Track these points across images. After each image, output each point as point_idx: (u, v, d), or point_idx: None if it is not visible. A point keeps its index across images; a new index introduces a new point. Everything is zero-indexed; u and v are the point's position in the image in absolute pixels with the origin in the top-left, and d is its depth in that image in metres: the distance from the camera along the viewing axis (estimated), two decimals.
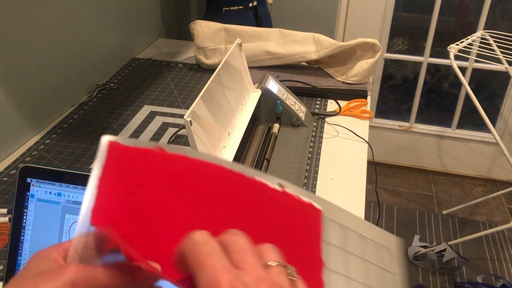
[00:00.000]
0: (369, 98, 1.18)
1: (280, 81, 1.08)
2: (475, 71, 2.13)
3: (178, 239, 0.32)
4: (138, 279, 0.32)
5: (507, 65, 1.55)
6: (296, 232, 0.34)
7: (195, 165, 0.34)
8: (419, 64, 2.20)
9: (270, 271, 0.28)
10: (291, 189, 0.35)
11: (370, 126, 1.12)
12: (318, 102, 1.17)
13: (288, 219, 0.34)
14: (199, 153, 0.34)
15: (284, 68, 1.30)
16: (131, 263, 0.33)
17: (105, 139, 0.35)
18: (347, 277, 0.35)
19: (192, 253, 0.27)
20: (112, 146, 0.34)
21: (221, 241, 0.29)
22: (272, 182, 0.35)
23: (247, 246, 0.28)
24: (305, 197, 0.35)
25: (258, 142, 0.95)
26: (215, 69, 0.82)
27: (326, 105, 1.16)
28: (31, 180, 0.50)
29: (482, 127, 2.24)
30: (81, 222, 0.34)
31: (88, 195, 0.34)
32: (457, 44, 1.50)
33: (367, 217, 1.96)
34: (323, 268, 0.34)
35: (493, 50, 1.53)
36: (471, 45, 1.53)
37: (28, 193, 0.50)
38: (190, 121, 0.68)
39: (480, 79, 2.22)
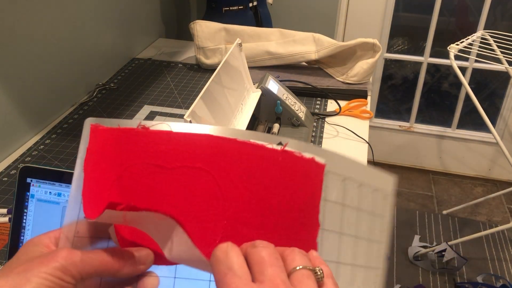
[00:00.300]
0: (369, 98, 1.18)
1: (280, 81, 1.08)
2: (475, 71, 2.13)
3: (171, 222, 0.31)
4: (129, 264, 0.32)
5: (507, 65, 1.54)
6: (295, 194, 0.33)
7: (182, 140, 0.32)
8: (419, 64, 2.20)
9: (294, 277, 0.28)
10: (293, 146, 0.33)
11: (370, 126, 1.12)
12: (318, 102, 1.17)
13: (288, 180, 0.33)
14: (185, 125, 0.33)
15: (284, 68, 1.30)
16: (122, 249, 0.33)
17: (88, 122, 0.34)
18: (339, 233, 0.35)
19: (214, 270, 0.28)
20: (94, 128, 0.34)
21: (244, 252, 0.29)
22: (271, 141, 0.33)
23: (270, 256, 0.28)
24: (307, 152, 0.34)
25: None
26: (215, 69, 0.82)
27: (326, 105, 1.16)
28: (31, 180, 0.50)
29: (482, 127, 2.24)
30: (70, 208, 0.33)
31: (76, 180, 0.33)
32: (457, 44, 1.50)
33: None
34: (318, 230, 0.34)
35: (493, 50, 1.53)
36: (471, 45, 1.53)
37: (28, 193, 0.50)
38: (190, 121, 0.68)
39: (480, 79, 2.22)
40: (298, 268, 0.28)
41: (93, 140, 0.33)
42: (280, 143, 0.33)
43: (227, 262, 0.28)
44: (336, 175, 0.35)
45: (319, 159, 0.34)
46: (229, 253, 0.29)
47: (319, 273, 0.29)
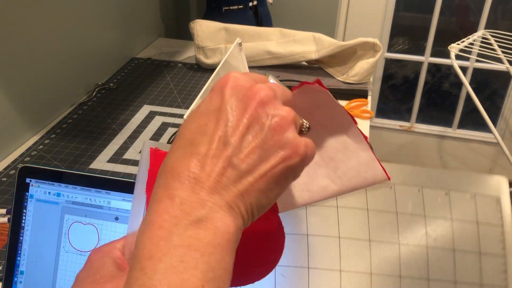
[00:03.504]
0: (369, 98, 1.18)
1: (281, 80, 1.07)
2: (476, 70, 2.13)
3: None
4: None
5: (508, 65, 1.54)
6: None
7: None
8: (420, 63, 2.19)
9: None
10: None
11: (371, 126, 1.12)
12: None
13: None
14: None
15: (284, 68, 1.29)
16: None
17: (148, 145, 0.36)
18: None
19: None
20: (154, 152, 0.36)
21: None
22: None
23: None
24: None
25: None
26: (215, 69, 0.81)
27: None
28: (30, 180, 0.50)
29: (483, 127, 2.23)
30: (133, 221, 0.35)
31: (138, 199, 0.34)
32: (458, 44, 1.49)
33: None
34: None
35: (494, 49, 1.53)
36: (472, 45, 1.52)
37: (27, 193, 0.50)
38: None
39: (481, 79, 2.22)
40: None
41: (154, 163, 0.36)
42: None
43: None
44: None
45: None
46: None
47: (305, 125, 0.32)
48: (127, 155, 0.94)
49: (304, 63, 1.31)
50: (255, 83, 0.29)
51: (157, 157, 0.36)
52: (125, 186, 0.48)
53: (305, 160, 0.29)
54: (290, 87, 0.34)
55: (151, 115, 1.10)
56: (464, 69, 2.09)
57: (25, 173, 0.50)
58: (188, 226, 0.26)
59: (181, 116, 1.09)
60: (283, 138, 0.28)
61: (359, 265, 0.36)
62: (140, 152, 0.95)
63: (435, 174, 0.35)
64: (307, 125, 0.31)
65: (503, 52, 1.51)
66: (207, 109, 0.29)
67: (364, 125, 1.06)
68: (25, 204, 0.50)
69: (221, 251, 0.26)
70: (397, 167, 0.35)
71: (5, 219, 0.75)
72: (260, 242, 0.36)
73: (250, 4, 1.61)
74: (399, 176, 0.38)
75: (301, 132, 0.31)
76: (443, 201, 0.35)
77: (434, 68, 2.24)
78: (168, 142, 0.98)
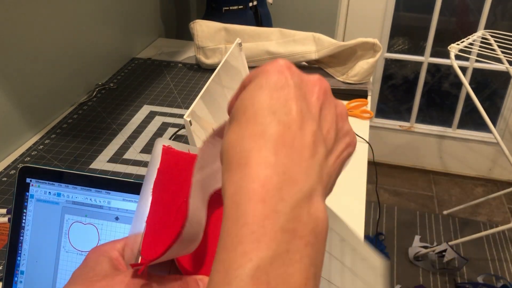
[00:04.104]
0: (369, 98, 1.18)
1: None
2: (475, 71, 2.13)
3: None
4: None
5: (507, 65, 1.54)
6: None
7: None
8: (420, 64, 2.19)
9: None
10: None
11: (371, 126, 1.12)
12: None
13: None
14: None
15: None
16: (187, 276, 0.33)
17: (160, 143, 0.35)
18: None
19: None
20: (166, 150, 0.34)
21: None
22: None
23: None
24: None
25: None
26: (215, 69, 0.81)
27: None
28: (31, 180, 0.50)
29: (483, 127, 2.24)
30: (136, 221, 0.34)
31: (144, 199, 0.33)
32: (458, 44, 1.49)
33: (367, 217, 1.96)
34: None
35: (493, 49, 1.53)
36: (472, 45, 1.52)
37: (28, 193, 0.50)
38: (190, 121, 0.68)
39: (481, 79, 2.22)
40: None
41: (165, 161, 0.34)
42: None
43: None
44: (337, 234, 0.35)
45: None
46: None
47: None
48: (127, 155, 0.94)
49: (304, 63, 1.31)
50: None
51: (169, 156, 0.34)
52: (125, 186, 0.48)
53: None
54: None
55: (151, 115, 1.10)
56: (463, 69, 2.09)
57: (26, 173, 0.50)
58: (294, 204, 0.21)
59: (181, 116, 1.09)
60: (346, 125, 0.28)
61: None
62: (140, 152, 0.95)
63: None
64: None
65: (502, 52, 1.51)
66: (273, 85, 0.25)
67: (364, 125, 1.06)
68: (26, 204, 0.50)
69: (322, 241, 0.22)
70: None
71: (5, 219, 0.75)
72: None
73: (250, 4, 1.61)
74: None
75: None
76: None
77: (434, 68, 2.24)
78: None
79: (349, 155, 0.28)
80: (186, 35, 1.74)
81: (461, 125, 2.28)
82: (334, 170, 0.26)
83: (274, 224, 0.21)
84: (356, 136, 0.29)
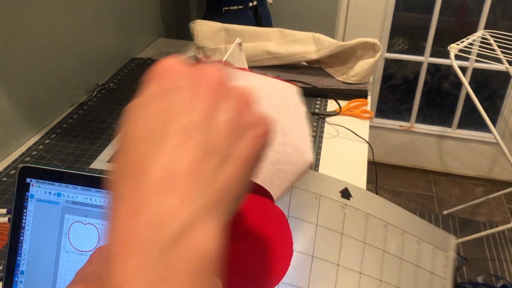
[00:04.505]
0: (369, 98, 1.18)
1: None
2: (475, 71, 2.13)
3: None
4: None
5: (507, 65, 1.54)
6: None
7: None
8: (420, 64, 2.19)
9: None
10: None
11: (371, 126, 1.12)
12: (318, 102, 1.17)
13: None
14: None
15: (284, 68, 1.29)
16: None
17: None
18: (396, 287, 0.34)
19: None
20: None
21: None
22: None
23: None
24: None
25: None
26: None
27: (326, 105, 1.16)
28: (31, 180, 0.50)
29: (483, 127, 2.24)
30: None
31: None
32: (458, 44, 1.49)
33: None
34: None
35: (493, 50, 1.53)
36: (472, 45, 1.53)
37: (28, 193, 0.50)
38: None
39: (481, 79, 2.22)
40: None
41: None
42: None
43: None
44: (396, 228, 0.35)
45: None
46: None
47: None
48: None
49: (304, 63, 1.31)
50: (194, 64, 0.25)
51: None
52: None
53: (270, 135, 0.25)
54: None
55: None
56: (463, 69, 2.09)
57: (26, 173, 0.50)
58: (161, 252, 0.20)
59: None
60: (250, 115, 0.24)
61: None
62: None
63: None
64: None
65: (502, 52, 1.51)
66: (152, 97, 0.24)
67: (364, 125, 1.06)
68: (26, 204, 0.50)
69: (203, 279, 0.20)
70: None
71: (5, 219, 0.75)
72: (265, 243, 0.35)
73: (250, 4, 1.61)
74: None
75: None
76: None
77: (433, 68, 2.24)
78: None
79: (262, 146, 0.24)
80: (186, 35, 1.74)
81: (461, 125, 2.28)
82: (235, 175, 0.23)
83: (139, 280, 0.19)
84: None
